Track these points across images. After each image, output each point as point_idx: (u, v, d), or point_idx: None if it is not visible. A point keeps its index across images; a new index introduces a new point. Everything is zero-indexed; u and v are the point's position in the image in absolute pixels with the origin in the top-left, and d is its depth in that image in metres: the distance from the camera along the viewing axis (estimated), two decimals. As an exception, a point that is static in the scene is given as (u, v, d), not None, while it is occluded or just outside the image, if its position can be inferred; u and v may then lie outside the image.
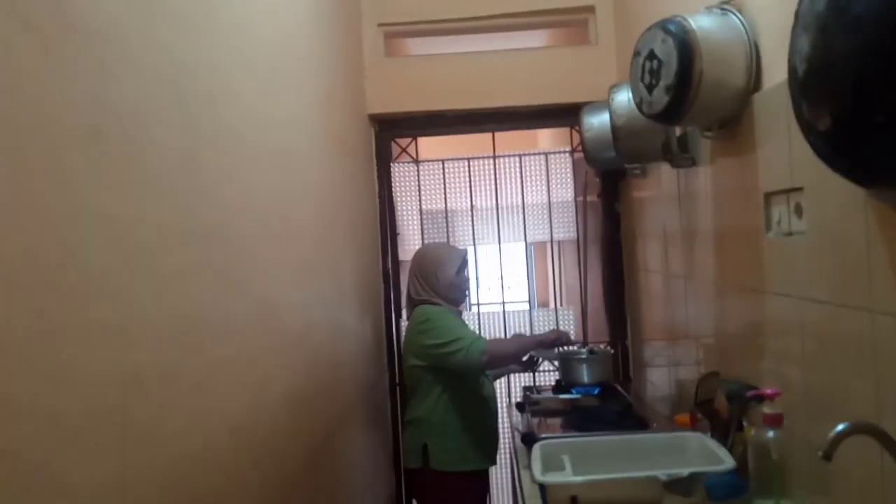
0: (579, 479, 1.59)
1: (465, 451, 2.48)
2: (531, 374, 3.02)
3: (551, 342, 2.56)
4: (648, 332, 2.85)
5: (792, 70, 1.05)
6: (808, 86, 0.99)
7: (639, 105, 1.75)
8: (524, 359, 2.72)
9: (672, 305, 2.41)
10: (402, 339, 2.65)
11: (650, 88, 1.68)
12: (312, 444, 1.95)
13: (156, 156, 1.13)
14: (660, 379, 2.67)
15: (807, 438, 1.38)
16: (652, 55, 1.66)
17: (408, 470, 2.58)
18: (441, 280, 2.55)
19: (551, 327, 3.11)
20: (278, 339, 1.70)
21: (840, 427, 0.98)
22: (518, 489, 2.10)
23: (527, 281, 4.77)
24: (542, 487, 1.68)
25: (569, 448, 1.82)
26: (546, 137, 4.93)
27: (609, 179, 3.15)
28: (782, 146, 1.44)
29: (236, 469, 1.38)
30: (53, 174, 0.87)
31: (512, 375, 3.09)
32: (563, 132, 3.53)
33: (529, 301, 4.84)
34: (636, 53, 1.74)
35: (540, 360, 2.75)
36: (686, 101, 1.59)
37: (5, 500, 0.75)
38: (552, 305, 3.45)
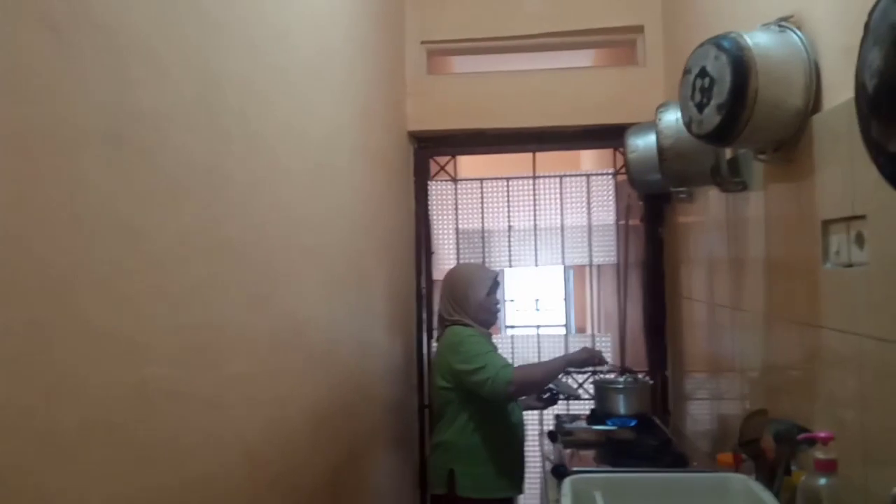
0: (611, 519, 1.50)
1: (492, 477, 2.39)
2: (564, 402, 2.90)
3: (582, 361, 2.47)
4: (690, 364, 2.73)
5: (860, 86, 0.97)
6: (879, 102, 0.90)
7: (688, 125, 1.67)
8: (545, 396, 2.64)
9: (716, 336, 2.30)
10: (434, 359, 2.58)
11: (700, 107, 1.59)
12: (334, 465, 1.88)
13: (178, 164, 1.09)
14: (701, 413, 2.54)
15: (862, 488, 1.26)
16: (704, 73, 1.58)
17: (433, 496, 2.50)
18: (472, 301, 2.49)
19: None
20: (301, 356, 1.65)
21: (906, 484, 0.88)
22: (548, 524, 2.00)
23: (564, 305, 4.66)
24: (574, 523, 1.59)
25: (601, 484, 1.72)
26: (589, 159, 4.85)
27: (653, 203, 3.05)
28: (843, 171, 1.35)
29: (251, 492, 1.33)
30: (66, 177, 0.83)
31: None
32: (606, 154, 3.44)
33: (566, 326, 4.73)
34: (686, 71, 1.66)
35: (561, 395, 2.65)
36: (739, 122, 1.50)
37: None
38: (589, 331, 3.34)
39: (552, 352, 3.17)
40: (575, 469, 1.94)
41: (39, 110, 0.79)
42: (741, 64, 1.48)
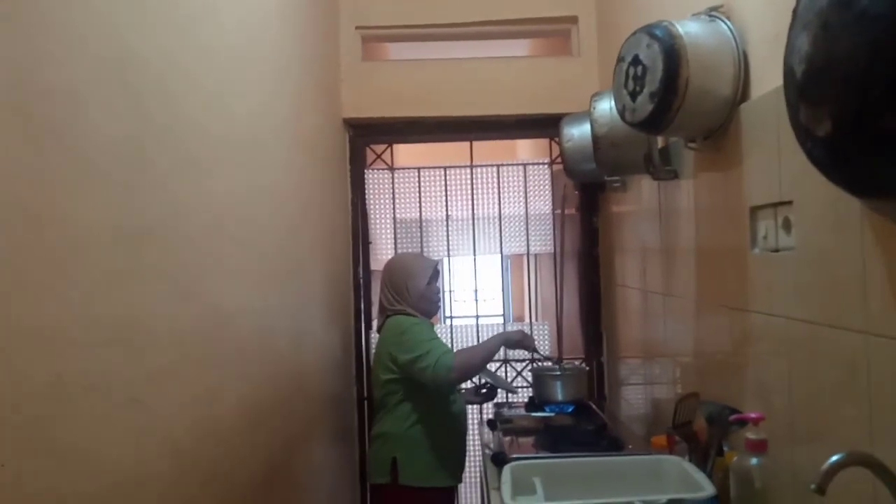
0: (552, 504, 1.50)
1: (434, 466, 2.39)
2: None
3: (517, 341, 2.52)
4: (625, 350, 2.78)
5: (788, 72, 0.98)
6: (807, 88, 0.92)
7: (621, 113, 1.68)
8: (483, 391, 2.65)
9: (650, 323, 2.34)
10: (375, 348, 2.54)
11: (634, 95, 1.61)
12: (270, 461, 1.83)
13: (93, 144, 1.02)
14: (636, 398, 2.59)
15: (792, 466, 1.30)
16: (636, 61, 1.59)
17: (374, 486, 2.47)
18: (412, 291, 2.47)
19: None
20: (232, 349, 1.59)
21: (835, 458, 0.90)
22: (487, 512, 2.00)
23: (502, 294, 4.69)
24: (514, 511, 1.59)
25: (540, 470, 1.73)
26: (525, 149, 4.87)
27: (588, 193, 3.09)
28: (771, 158, 1.38)
29: (183, 494, 1.27)
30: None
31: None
32: (542, 144, 3.46)
33: (504, 315, 4.75)
34: (620, 59, 1.67)
35: (499, 390, 2.67)
36: (671, 109, 1.52)
37: None
38: (528, 320, 3.37)
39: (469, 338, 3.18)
40: (514, 456, 1.95)
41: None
42: (673, 52, 1.49)
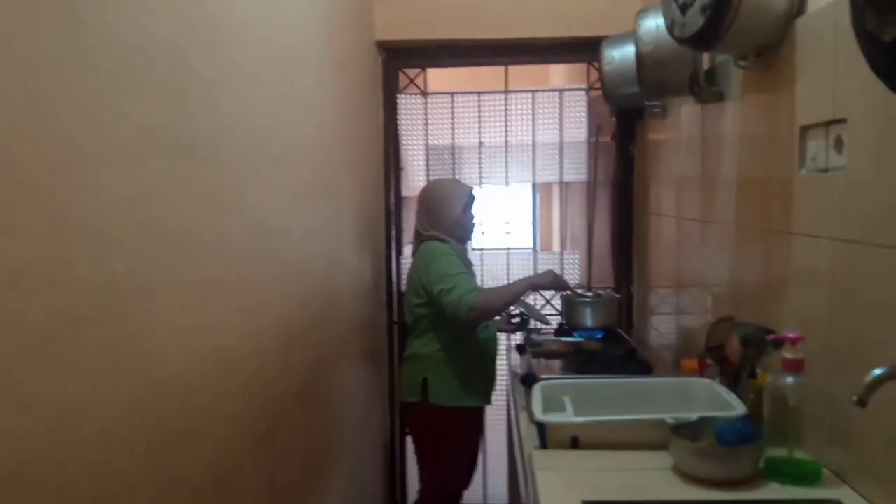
0: (581, 419, 1.53)
1: (463, 387, 2.44)
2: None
3: (546, 284, 2.48)
4: (656, 279, 2.77)
5: (856, -27, 0.93)
6: (876, -11, 0.87)
7: (670, 28, 1.62)
8: (515, 321, 2.66)
9: (684, 250, 2.32)
10: (408, 273, 2.57)
11: (684, 9, 1.55)
12: (305, 377, 1.88)
13: (138, 47, 1.01)
14: (665, 326, 2.60)
15: (828, 387, 1.30)
16: (687, -28, 1.53)
17: (405, 404, 2.54)
18: (447, 217, 2.47)
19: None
20: (273, 266, 1.61)
21: (877, 371, 0.90)
22: (516, 431, 2.05)
23: (532, 223, 4.66)
24: (541, 428, 1.62)
25: (570, 389, 1.76)
26: (559, 75, 4.75)
27: (625, 120, 3.01)
28: (826, 74, 1.33)
29: (224, 395, 1.31)
30: (19, 52, 0.76)
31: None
32: (577, 71, 3.37)
33: (533, 244, 4.73)
34: (670, -29, 1.60)
35: (530, 320, 2.68)
36: (723, 24, 1.46)
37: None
38: (555, 249, 3.35)
39: (520, 268, 3.19)
40: (544, 377, 1.97)
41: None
42: (727, -38, 1.43)
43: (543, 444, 1.59)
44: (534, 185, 3.78)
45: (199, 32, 1.22)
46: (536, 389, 1.72)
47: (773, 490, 1.27)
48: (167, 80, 1.09)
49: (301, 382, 1.84)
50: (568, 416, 1.58)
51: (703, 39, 1.52)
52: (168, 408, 1.08)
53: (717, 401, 1.58)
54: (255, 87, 1.51)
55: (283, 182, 1.71)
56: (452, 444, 2.46)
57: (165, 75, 1.09)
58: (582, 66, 3.14)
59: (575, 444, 1.50)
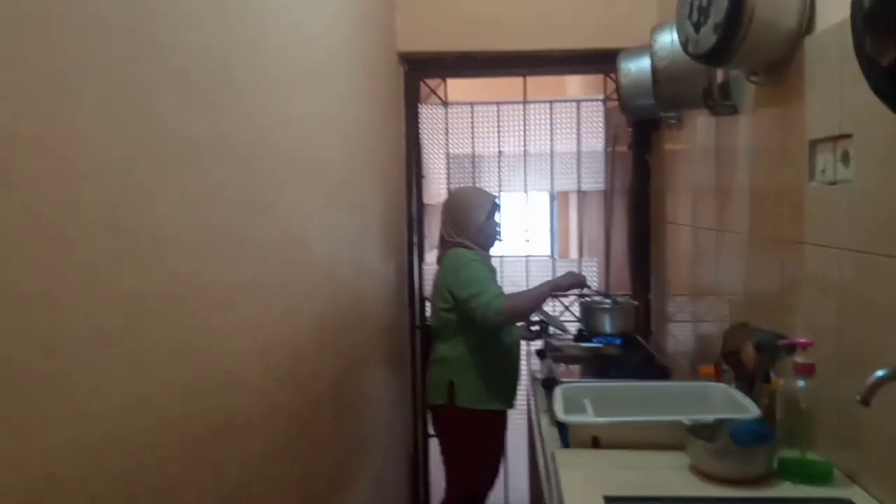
0: (602, 419, 1.60)
1: (489, 391, 2.52)
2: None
3: (567, 285, 2.56)
4: (673, 286, 2.82)
5: (857, 3, 1.00)
6: (874, 17, 0.94)
7: (684, 44, 1.69)
8: (535, 329, 2.73)
9: (701, 259, 2.38)
10: (433, 279, 2.65)
11: (697, 27, 1.62)
12: (337, 378, 1.97)
13: (189, 61, 1.10)
14: (682, 333, 2.65)
15: (837, 391, 1.36)
16: (701, -8, 1.60)
17: (431, 406, 2.63)
18: (472, 224, 2.55)
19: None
20: (308, 269, 1.70)
21: (880, 373, 0.96)
22: (537, 432, 2.11)
23: (549, 231, 4.73)
24: (562, 429, 1.69)
25: (590, 392, 1.82)
26: (576, 86, 4.83)
27: (641, 130, 3.08)
28: (832, 91, 1.39)
29: (266, 392, 1.40)
30: (91, 63, 0.85)
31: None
32: (593, 81, 3.44)
33: (551, 251, 4.81)
34: (684, -10, 1.67)
35: (549, 327, 2.75)
36: (735, 41, 1.53)
37: (41, 391, 0.75)
38: (573, 257, 3.42)
39: (539, 274, 3.26)
40: (565, 380, 2.04)
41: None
42: (739, -17, 1.49)
43: (565, 444, 1.66)
44: (551, 194, 3.85)
45: (241, 48, 1.31)
46: (558, 392, 1.79)
47: (786, 489, 1.32)
48: (212, 92, 1.18)
49: (333, 383, 1.93)
50: (589, 417, 1.65)
51: (716, 56, 1.59)
52: (216, 401, 1.17)
53: (732, 404, 1.64)
54: (289, 98, 1.60)
55: (315, 188, 1.80)
56: (478, 446, 2.54)
57: (210, 88, 1.18)
58: (598, 77, 3.21)
59: (596, 443, 1.57)
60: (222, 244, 1.20)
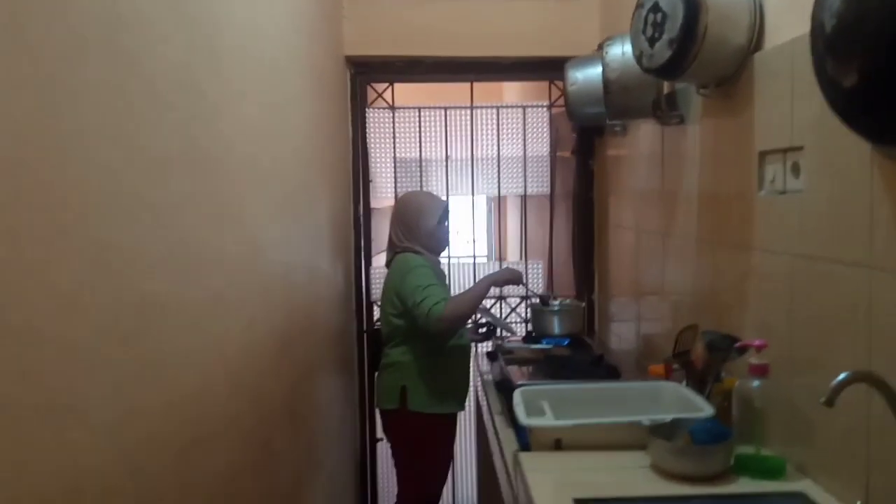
0: (566, 422, 1.63)
1: (440, 394, 2.53)
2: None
3: (504, 280, 2.59)
4: (616, 288, 2.91)
5: (818, 26, 1.06)
6: (836, 42, 1.00)
7: (638, 58, 1.75)
8: (482, 330, 2.77)
9: (645, 262, 2.46)
10: (383, 283, 2.64)
11: (652, 41, 1.68)
12: (293, 388, 1.94)
13: (158, 72, 1.07)
14: (627, 333, 2.74)
15: (788, 391, 1.43)
16: (656, 7, 1.66)
17: (383, 411, 2.61)
18: (422, 229, 2.55)
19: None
20: (264, 279, 1.67)
21: (842, 375, 1.03)
22: (493, 434, 2.14)
23: (494, 234, 4.79)
24: (519, 431, 1.72)
25: (548, 394, 1.86)
26: (514, 92, 4.89)
27: (585, 136, 3.16)
28: (783, 105, 1.47)
29: (231, 408, 1.37)
30: (70, 83, 0.82)
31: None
32: (533, 87, 3.50)
33: (489, 252, 4.87)
34: (639, 5, 1.73)
35: (498, 330, 2.79)
36: (689, 56, 1.59)
37: (22, 417, 0.72)
38: (509, 259, 3.47)
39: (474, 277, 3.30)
40: (520, 383, 2.07)
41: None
42: (693, 1, 1.56)
43: (523, 446, 1.69)
44: (488, 198, 3.90)
45: (203, 56, 1.28)
46: (517, 395, 1.82)
47: (743, 484, 1.39)
48: (179, 102, 1.15)
49: (290, 393, 1.90)
50: (551, 420, 1.68)
51: (670, 70, 1.66)
52: (185, 423, 1.14)
53: (685, 403, 1.70)
54: (248, 104, 1.58)
55: (272, 195, 1.77)
56: (431, 449, 2.55)
57: (178, 98, 1.15)
58: (537, 84, 3.28)
59: (558, 445, 1.61)
60: (188, 259, 1.17)
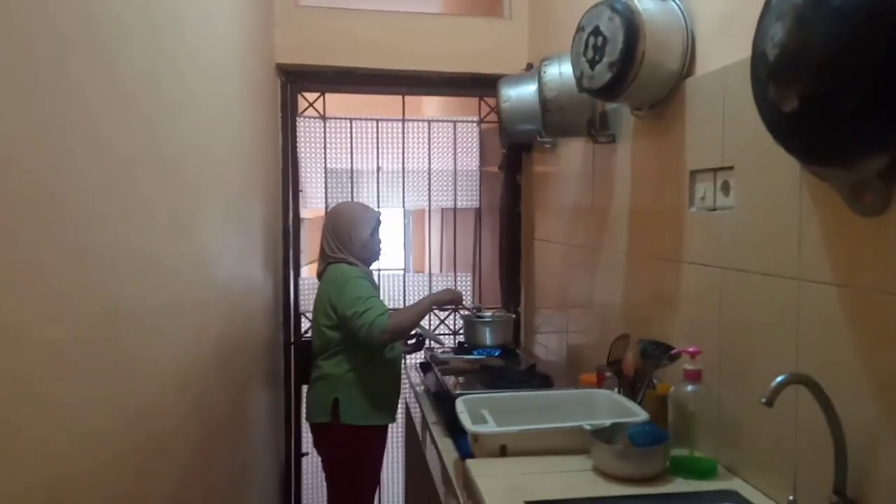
0: (511, 428, 1.67)
1: (373, 406, 2.52)
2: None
3: (447, 300, 2.65)
4: (543, 300, 3.00)
5: (759, 54, 1.15)
6: (778, 69, 1.09)
7: (579, 79, 1.83)
8: (412, 342, 2.80)
9: (575, 275, 2.55)
10: (316, 295, 2.61)
11: (592, 64, 1.76)
12: (233, 399, 1.90)
13: (132, 74, 1.04)
14: (555, 344, 2.82)
15: (719, 395, 1.53)
16: (597, 31, 1.74)
17: (314, 424, 2.57)
18: (355, 240, 2.55)
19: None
20: (212, 288, 1.63)
21: (781, 377, 1.11)
22: (430, 444, 2.16)
23: (413, 246, 4.82)
24: (459, 440, 1.75)
25: (488, 403, 1.90)
26: (434, 106, 4.95)
27: (513, 152, 3.24)
28: (714, 128, 1.57)
29: (180, 421, 1.33)
30: (52, 83, 0.79)
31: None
32: (452, 102, 3.57)
33: (405, 266, 4.91)
34: (580, 28, 1.81)
35: (427, 341, 2.83)
36: (627, 79, 1.68)
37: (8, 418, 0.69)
38: (426, 272, 3.52)
39: (417, 290, 3.32)
40: (458, 392, 2.10)
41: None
42: (633, 26, 1.65)
43: (464, 454, 1.71)
44: (406, 211, 3.94)
45: (166, 60, 1.25)
46: (460, 404, 1.85)
47: (679, 484, 1.47)
48: (146, 106, 1.12)
49: (231, 406, 1.86)
50: (493, 427, 1.72)
51: (610, 91, 1.74)
52: (144, 434, 1.10)
53: (619, 409, 1.78)
54: (201, 109, 1.54)
55: (218, 203, 1.73)
56: (364, 461, 2.53)
57: (145, 102, 1.12)
58: (460, 99, 3.34)
59: (503, 452, 1.64)
60: (149, 265, 1.14)
